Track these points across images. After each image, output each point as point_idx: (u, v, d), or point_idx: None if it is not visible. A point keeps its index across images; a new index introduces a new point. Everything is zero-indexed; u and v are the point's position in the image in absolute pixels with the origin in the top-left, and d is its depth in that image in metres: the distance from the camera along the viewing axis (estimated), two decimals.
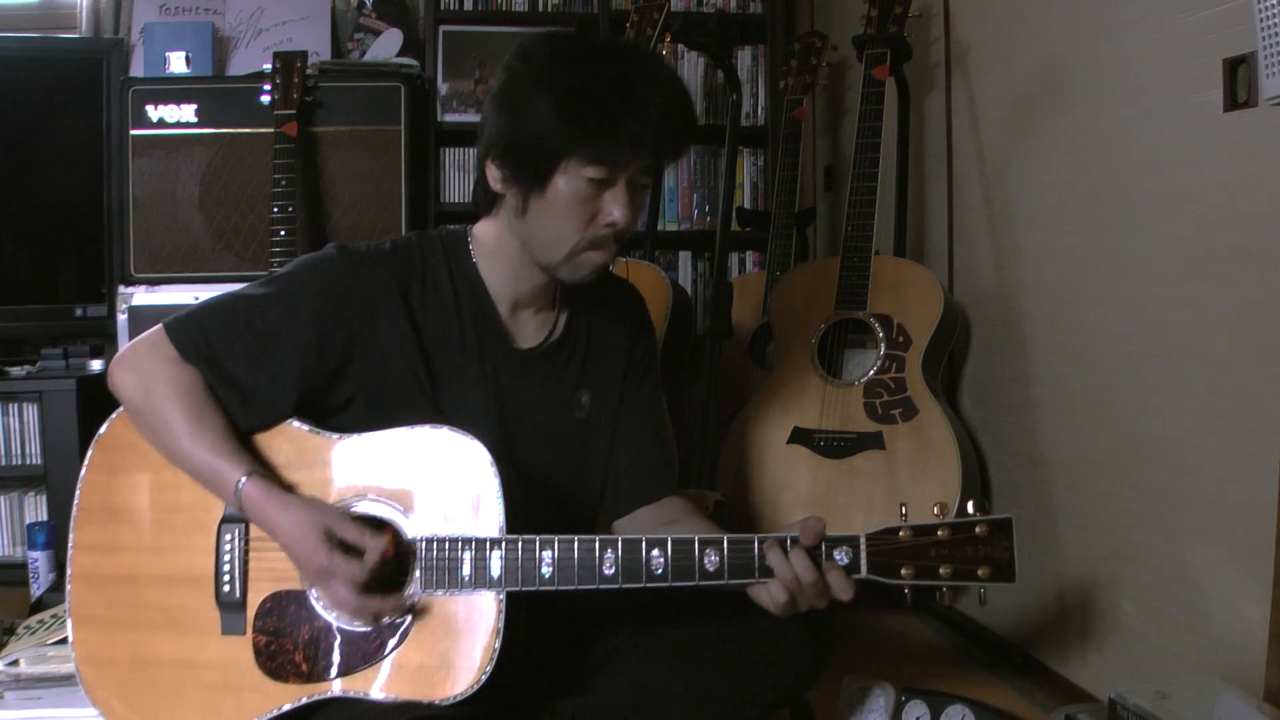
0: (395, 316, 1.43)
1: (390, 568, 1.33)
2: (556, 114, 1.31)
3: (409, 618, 1.32)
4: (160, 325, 1.40)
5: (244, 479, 1.32)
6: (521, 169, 1.37)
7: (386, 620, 1.32)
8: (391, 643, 1.32)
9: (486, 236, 1.49)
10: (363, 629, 1.33)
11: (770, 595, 1.30)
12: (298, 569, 1.34)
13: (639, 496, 1.59)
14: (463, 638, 1.30)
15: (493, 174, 1.41)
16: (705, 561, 1.30)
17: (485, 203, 1.48)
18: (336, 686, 1.32)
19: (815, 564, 1.28)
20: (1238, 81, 1.56)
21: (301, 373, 1.39)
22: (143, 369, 1.38)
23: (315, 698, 1.32)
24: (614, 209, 1.36)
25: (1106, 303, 1.92)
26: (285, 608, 1.35)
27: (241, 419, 1.38)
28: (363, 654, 1.32)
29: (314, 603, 1.35)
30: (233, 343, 1.38)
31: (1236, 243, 1.59)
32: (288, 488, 1.37)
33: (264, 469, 1.36)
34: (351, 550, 1.30)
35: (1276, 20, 1.46)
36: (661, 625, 1.48)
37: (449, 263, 1.48)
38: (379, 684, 1.31)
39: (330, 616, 1.34)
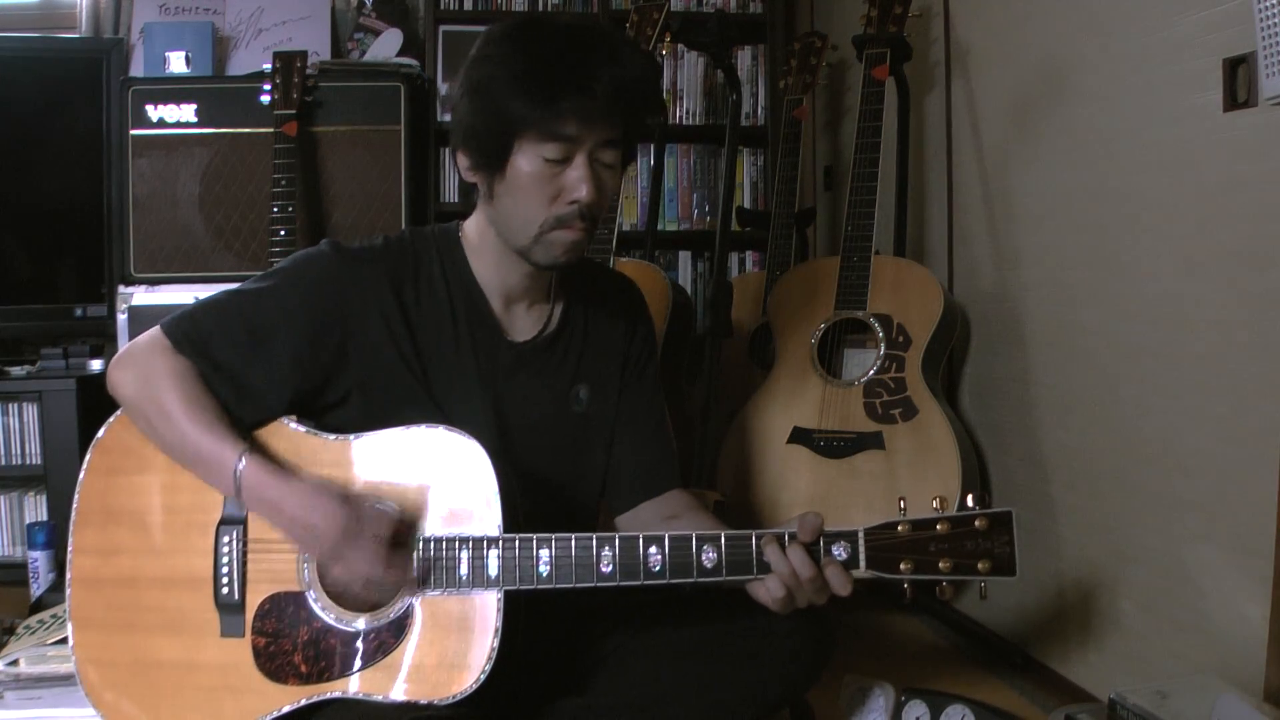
0: (389, 313, 1.43)
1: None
2: (505, 93, 1.31)
3: (410, 618, 1.32)
4: (157, 326, 1.41)
5: (243, 456, 1.32)
6: (481, 153, 1.37)
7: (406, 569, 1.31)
8: (391, 643, 1.32)
9: (473, 230, 1.50)
10: (355, 630, 1.33)
11: (769, 591, 1.30)
12: (306, 541, 1.32)
13: (641, 491, 1.59)
14: (461, 637, 1.30)
15: (462, 163, 1.42)
16: (703, 558, 1.30)
17: (468, 195, 1.49)
18: (336, 688, 1.31)
19: (813, 559, 1.28)
20: (1238, 81, 1.56)
21: (295, 369, 1.39)
22: (140, 364, 1.38)
23: (315, 699, 1.32)
24: (576, 185, 1.35)
25: (1106, 303, 1.91)
26: (284, 609, 1.35)
27: (235, 414, 1.38)
28: (361, 655, 1.32)
29: (312, 604, 1.35)
30: (227, 339, 1.38)
31: (1236, 243, 1.59)
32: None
33: (262, 450, 1.36)
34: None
35: (1276, 20, 1.46)
36: (661, 625, 1.48)
37: (442, 258, 1.49)
38: (378, 684, 1.31)
39: (329, 618, 1.34)
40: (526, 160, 1.35)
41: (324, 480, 1.34)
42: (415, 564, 1.32)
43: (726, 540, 1.30)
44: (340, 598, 1.35)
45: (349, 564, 1.30)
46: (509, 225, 1.41)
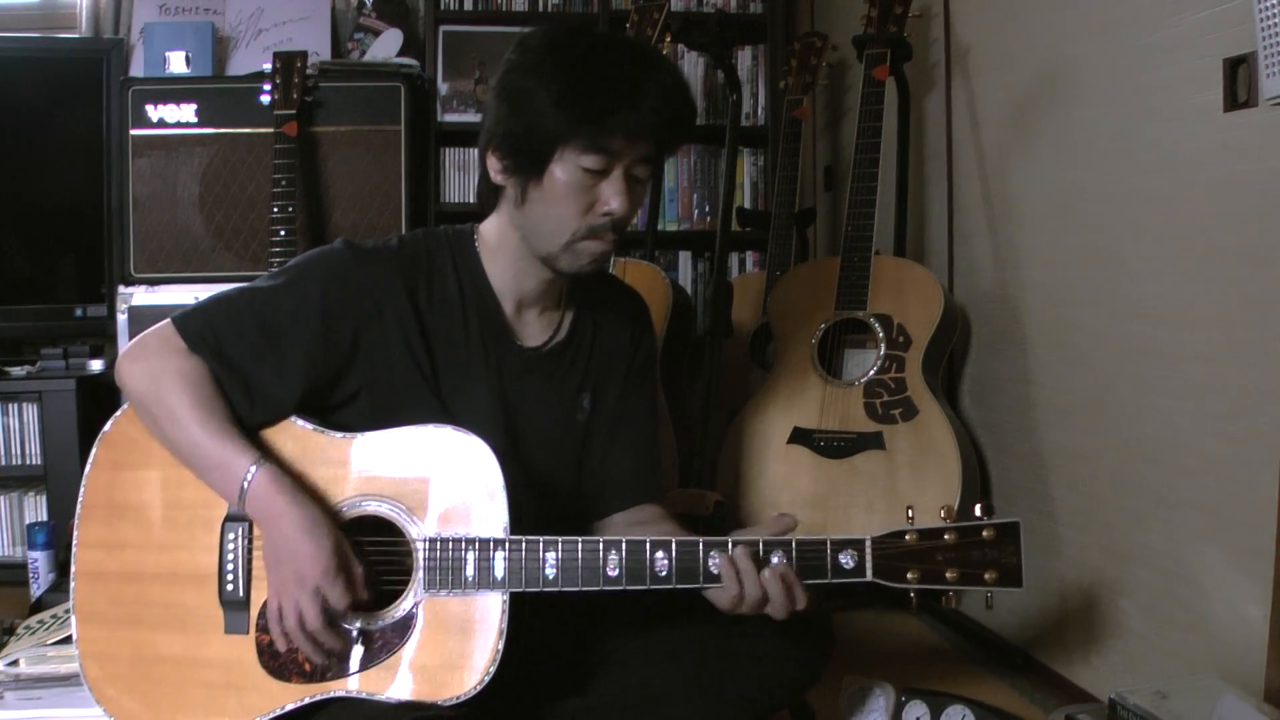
0: (401, 313, 1.43)
1: (390, 569, 1.33)
2: (552, 102, 1.32)
3: (414, 618, 1.32)
4: (169, 319, 1.40)
5: (255, 467, 1.32)
6: (519, 158, 1.37)
7: (328, 649, 1.31)
8: (395, 643, 1.32)
9: (491, 233, 1.50)
10: (364, 628, 1.33)
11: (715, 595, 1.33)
12: (274, 562, 1.32)
13: (615, 501, 1.59)
14: (467, 638, 1.30)
15: (493, 165, 1.42)
16: (709, 564, 1.31)
17: (488, 198, 1.49)
18: (338, 686, 1.32)
19: (754, 564, 1.29)
20: (1238, 81, 1.56)
21: (306, 367, 1.39)
22: (150, 361, 1.38)
23: (317, 697, 1.32)
24: (611, 198, 1.36)
25: (1106, 303, 1.92)
26: None
27: (246, 413, 1.38)
28: (366, 654, 1.32)
29: None
30: (239, 336, 1.38)
31: (1236, 243, 1.59)
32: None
33: (274, 461, 1.36)
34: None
35: (1276, 20, 1.46)
36: (662, 626, 1.48)
37: (455, 260, 1.49)
38: (382, 684, 1.31)
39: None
40: (564, 170, 1.35)
41: (334, 527, 1.33)
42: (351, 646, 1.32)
43: (733, 547, 1.31)
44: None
45: (289, 604, 1.30)
46: (538, 231, 1.42)
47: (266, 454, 1.36)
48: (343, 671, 1.32)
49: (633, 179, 1.38)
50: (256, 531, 1.36)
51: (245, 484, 1.31)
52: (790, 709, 1.66)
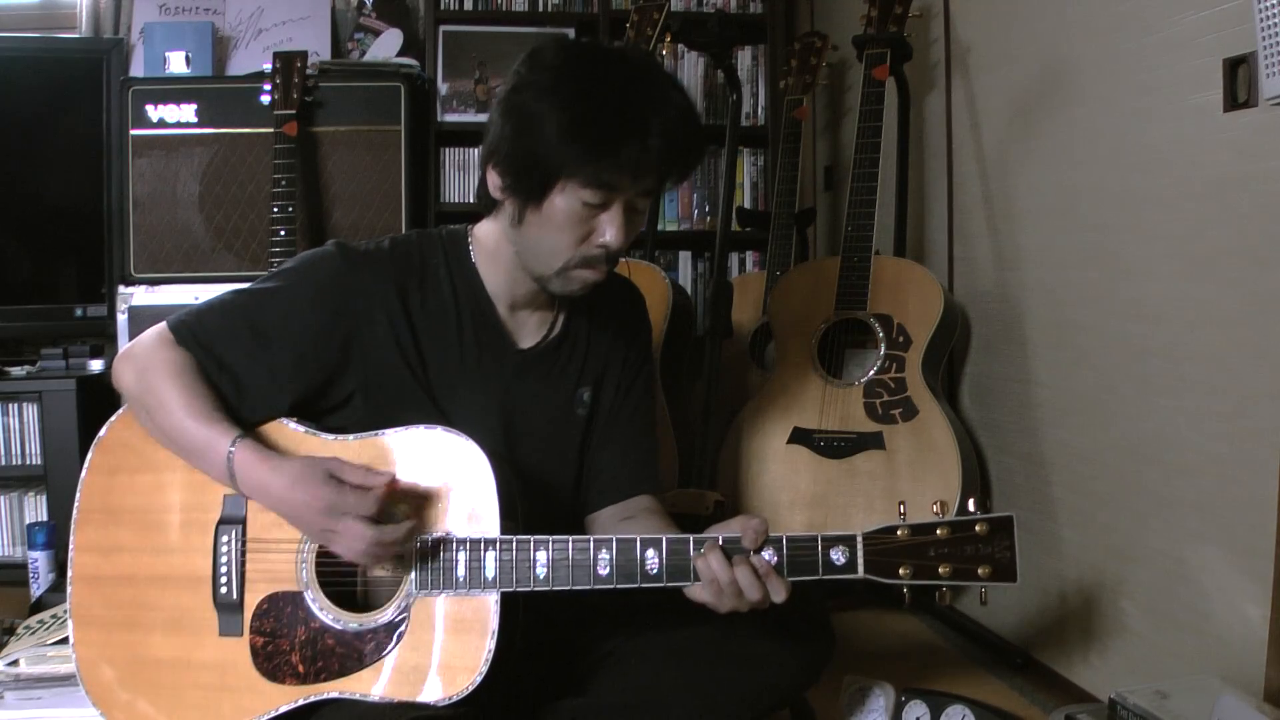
0: (393, 315, 1.43)
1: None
2: (558, 134, 1.30)
3: (407, 619, 1.32)
4: (163, 323, 1.42)
5: (235, 442, 1.33)
6: (520, 181, 1.36)
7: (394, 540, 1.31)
8: (388, 643, 1.32)
9: (487, 237, 1.49)
10: (353, 630, 1.33)
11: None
12: (298, 522, 1.33)
13: (609, 495, 1.58)
14: (459, 638, 1.30)
15: (493, 180, 1.41)
16: (699, 562, 1.30)
17: (486, 205, 1.48)
18: (333, 688, 1.32)
19: (729, 563, 1.28)
20: (1238, 81, 1.56)
21: (298, 369, 1.40)
22: (142, 357, 1.40)
23: (312, 698, 1.32)
24: (608, 230, 1.36)
25: (1106, 303, 1.91)
26: (282, 609, 1.35)
27: (236, 410, 1.38)
28: (359, 655, 1.32)
29: (310, 604, 1.35)
30: (230, 336, 1.39)
31: (1236, 243, 1.59)
32: None
33: (255, 437, 1.36)
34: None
35: (1276, 20, 1.46)
36: (660, 626, 1.48)
37: (448, 262, 1.49)
38: (376, 684, 1.31)
39: (326, 618, 1.34)
40: (565, 200, 1.35)
41: (315, 459, 1.34)
42: (413, 544, 1.32)
43: (726, 543, 1.30)
44: (340, 599, 1.35)
45: (340, 542, 1.30)
46: (533, 253, 1.41)
47: (248, 431, 1.36)
48: (336, 672, 1.32)
49: (632, 209, 1.38)
50: (249, 534, 1.37)
51: (229, 461, 1.32)
52: (790, 709, 1.66)
